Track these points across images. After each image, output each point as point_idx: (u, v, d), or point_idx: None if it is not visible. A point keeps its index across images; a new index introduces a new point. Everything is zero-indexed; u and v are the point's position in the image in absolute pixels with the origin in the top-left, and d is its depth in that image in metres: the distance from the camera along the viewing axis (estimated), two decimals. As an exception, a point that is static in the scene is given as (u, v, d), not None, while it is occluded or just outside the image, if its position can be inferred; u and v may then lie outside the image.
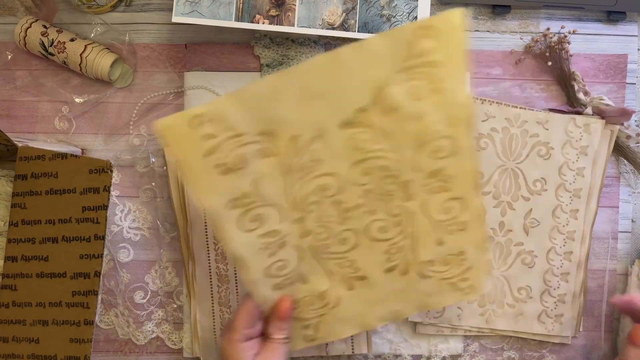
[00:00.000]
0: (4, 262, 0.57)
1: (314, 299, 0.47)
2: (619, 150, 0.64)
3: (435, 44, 0.39)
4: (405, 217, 0.45)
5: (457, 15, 0.40)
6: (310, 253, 0.46)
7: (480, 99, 0.64)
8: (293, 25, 0.57)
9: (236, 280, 0.63)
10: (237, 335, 0.46)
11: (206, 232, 0.63)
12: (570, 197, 0.63)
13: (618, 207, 0.66)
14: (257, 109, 0.39)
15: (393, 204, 0.45)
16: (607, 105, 0.63)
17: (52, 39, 0.62)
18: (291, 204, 0.43)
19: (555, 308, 0.63)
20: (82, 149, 0.66)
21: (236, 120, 0.39)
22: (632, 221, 0.66)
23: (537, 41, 0.65)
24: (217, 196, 0.41)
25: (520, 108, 0.63)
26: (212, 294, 0.63)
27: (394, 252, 0.46)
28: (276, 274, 0.46)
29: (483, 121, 0.63)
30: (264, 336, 0.48)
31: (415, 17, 0.58)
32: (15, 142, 0.56)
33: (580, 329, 0.64)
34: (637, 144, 0.63)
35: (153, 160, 0.65)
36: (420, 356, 0.64)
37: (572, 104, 0.64)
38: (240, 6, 0.57)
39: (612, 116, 0.62)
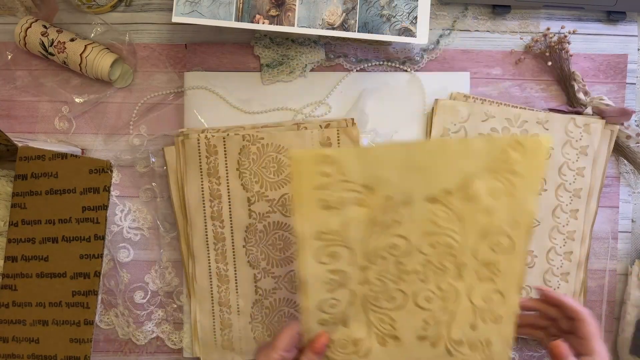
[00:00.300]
0: (4, 262, 0.57)
1: (348, 344, 0.51)
2: (619, 150, 0.64)
3: (521, 158, 0.45)
4: (451, 295, 0.50)
5: (546, 141, 0.46)
6: (361, 300, 0.50)
7: (480, 99, 0.64)
8: (293, 25, 0.57)
9: (236, 280, 0.63)
10: (275, 354, 0.49)
11: (206, 232, 0.63)
12: (570, 197, 0.63)
13: (618, 207, 0.66)
14: (369, 165, 0.45)
15: (444, 279, 0.49)
16: (607, 105, 0.63)
17: (52, 39, 0.62)
18: (363, 252, 0.48)
19: (555, 308, 0.63)
20: (82, 149, 0.66)
21: (350, 169, 0.45)
22: (632, 221, 0.66)
23: (537, 41, 0.65)
24: (310, 225, 0.47)
25: (520, 108, 0.63)
26: (212, 294, 0.63)
27: (432, 323, 0.50)
28: (326, 310, 0.50)
29: (483, 121, 0.63)
30: None
31: (415, 17, 0.58)
32: (15, 142, 0.56)
33: (580, 329, 0.64)
34: (637, 144, 0.63)
35: (153, 160, 0.65)
36: (420, 356, 0.64)
37: (572, 104, 0.64)
38: (240, 6, 0.57)
39: (612, 116, 0.62)
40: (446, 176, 0.46)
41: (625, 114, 0.62)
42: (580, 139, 0.63)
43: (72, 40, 0.62)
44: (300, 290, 0.49)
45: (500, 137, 0.46)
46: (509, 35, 0.66)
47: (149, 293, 0.65)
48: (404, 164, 0.45)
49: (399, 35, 0.58)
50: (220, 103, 0.64)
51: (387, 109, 0.65)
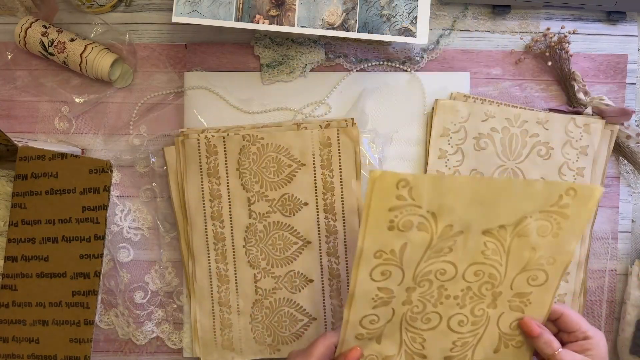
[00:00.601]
0: (4, 262, 0.57)
1: None
2: (619, 150, 0.64)
3: (572, 202, 0.47)
4: (483, 320, 0.52)
5: (599, 191, 0.47)
6: (399, 319, 0.52)
7: (480, 99, 0.64)
8: (293, 25, 0.57)
9: (236, 280, 0.63)
10: None
11: (206, 232, 0.63)
12: (570, 197, 0.63)
13: (618, 207, 0.66)
14: (439, 194, 0.46)
15: (480, 306, 0.52)
16: (607, 105, 0.63)
17: (52, 39, 0.62)
18: (413, 274, 0.50)
19: (555, 308, 0.64)
20: (82, 149, 0.66)
21: (422, 195, 0.46)
22: (632, 221, 0.66)
23: (537, 41, 0.65)
24: (374, 243, 0.48)
25: (520, 108, 0.63)
26: (212, 294, 0.63)
27: (460, 345, 0.53)
28: (365, 325, 0.51)
29: (483, 121, 0.63)
30: None
31: (415, 17, 0.58)
32: (15, 142, 0.56)
33: (580, 329, 0.64)
34: (637, 144, 0.63)
35: (153, 160, 0.65)
36: (420, 356, 0.64)
37: (572, 104, 0.64)
38: (240, 6, 0.57)
39: (612, 116, 0.62)
40: (506, 213, 0.48)
41: (625, 114, 0.62)
42: (580, 139, 0.63)
43: (72, 40, 0.62)
44: (346, 303, 0.50)
45: (560, 182, 0.50)
46: (509, 35, 0.66)
47: (149, 293, 0.65)
48: (470, 197, 0.47)
49: (399, 35, 0.58)
50: (220, 103, 0.64)
51: (387, 109, 0.65)
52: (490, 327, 0.53)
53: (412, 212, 0.47)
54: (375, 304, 0.50)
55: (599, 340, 0.50)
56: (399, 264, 0.49)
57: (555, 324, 0.52)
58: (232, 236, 0.63)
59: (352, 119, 0.62)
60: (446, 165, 0.63)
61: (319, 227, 0.62)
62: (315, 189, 0.62)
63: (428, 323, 0.52)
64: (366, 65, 0.65)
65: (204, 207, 0.62)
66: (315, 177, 0.62)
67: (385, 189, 0.46)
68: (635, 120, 0.66)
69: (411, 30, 0.58)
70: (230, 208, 0.62)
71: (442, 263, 0.50)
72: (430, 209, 0.47)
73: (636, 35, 0.65)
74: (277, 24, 0.57)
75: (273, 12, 0.57)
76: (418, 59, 0.65)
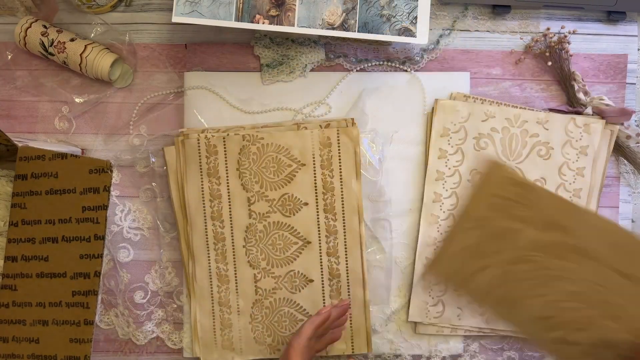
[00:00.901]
0: (4, 262, 0.57)
1: None
2: (619, 150, 0.64)
3: None
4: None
5: None
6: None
7: (480, 99, 0.64)
8: (293, 25, 0.57)
9: (236, 280, 0.63)
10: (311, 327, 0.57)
11: (206, 232, 0.63)
12: (570, 197, 0.63)
13: (618, 207, 0.66)
14: (569, 216, 0.55)
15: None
16: (607, 105, 0.63)
17: (52, 39, 0.62)
18: (512, 253, 0.57)
19: (555, 308, 0.64)
20: (82, 149, 0.66)
21: (541, 205, 0.56)
22: (632, 221, 0.66)
23: (537, 41, 0.65)
24: (477, 209, 0.58)
25: (520, 108, 0.63)
26: (212, 294, 0.63)
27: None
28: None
29: (483, 121, 0.63)
30: None
31: (415, 17, 0.58)
32: (15, 142, 0.56)
33: (581, 329, 0.64)
34: (637, 144, 0.63)
35: (153, 160, 0.65)
36: (420, 356, 0.64)
37: (572, 104, 0.64)
38: (240, 6, 0.57)
39: (612, 116, 0.62)
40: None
41: (625, 114, 0.62)
42: (580, 139, 0.63)
43: (72, 40, 0.62)
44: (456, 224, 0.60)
45: None
46: (509, 35, 0.66)
47: (149, 293, 0.65)
48: (606, 237, 0.52)
49: (399, 35, 0.58)
50: (220, 103, 0.64)
51: (387, 109, 0.65)
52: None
53: (514, 207, 0.54)
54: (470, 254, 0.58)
55: None
56: (495, 234, 0.56)
57: None
58: (232, 236, 0.63)
59: (352, 119, 0.62)
60: (446, 165, 0.63)
61: (319, 227, 0.62)
62: (315, 189, 0.62)
63: (537, 289, 0.55)
64: (366, 65, 0.65)
65: (204, 207, 0.62)
66: (315, 177, 0.62)
67: (499, 180, 0.53)
68: (635, 120, 0.66)
69: (411, 30, 0.58)
70: (230, 208, 0.62)
71: (549, 260, 0.54)
72: (549, 219, 0.53)
73: (636, 35, 0.65)
74: (277, 24, 0.57)
75: (273, 12, 0.57)
76: (418, 59, 0.65)
